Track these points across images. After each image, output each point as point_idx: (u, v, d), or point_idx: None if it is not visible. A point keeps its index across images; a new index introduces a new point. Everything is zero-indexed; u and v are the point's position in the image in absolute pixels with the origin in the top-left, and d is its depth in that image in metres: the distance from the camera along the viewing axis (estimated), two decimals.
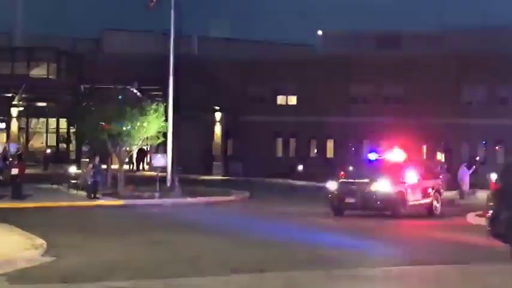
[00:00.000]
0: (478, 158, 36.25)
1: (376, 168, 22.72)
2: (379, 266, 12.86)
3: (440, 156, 41.84)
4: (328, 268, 12.28)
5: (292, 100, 48.96)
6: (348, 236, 17.42)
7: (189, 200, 26.93)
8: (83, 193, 26.88)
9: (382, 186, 21.42)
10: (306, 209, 24.37)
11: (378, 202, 21.38)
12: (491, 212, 14.43)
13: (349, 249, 15.00)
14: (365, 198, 21.38)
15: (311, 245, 15.36)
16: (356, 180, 22.16)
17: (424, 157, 39.18)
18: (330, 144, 47.70)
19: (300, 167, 43.61)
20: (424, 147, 42.62)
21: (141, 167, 46.89)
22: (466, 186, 29.65)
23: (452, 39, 47.30)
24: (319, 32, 54.15)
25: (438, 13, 62.67)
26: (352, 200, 21.65)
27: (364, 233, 18.16)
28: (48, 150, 48.62)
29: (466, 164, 31.25)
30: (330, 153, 47.64)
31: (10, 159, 26.07)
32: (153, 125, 28.68)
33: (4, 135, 50.09)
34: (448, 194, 27.16)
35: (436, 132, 42.43)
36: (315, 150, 48.07)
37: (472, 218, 21.21)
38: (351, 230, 18.58)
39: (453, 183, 29.41)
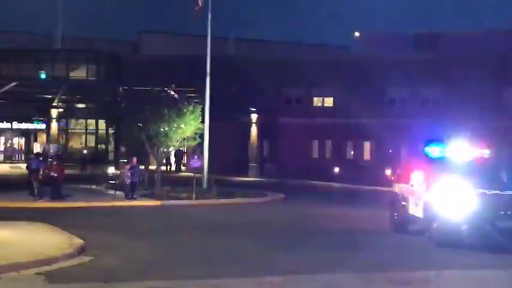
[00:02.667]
0: None
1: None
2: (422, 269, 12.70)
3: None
4: (366, 271, 12.20)
5: (329, 102, 48.80)
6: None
7: (225, 201, 27.04)
8: (121, 193, 27.19)
9: None
10: (344, 211, 24.25)
11: None
12: None
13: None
14: None
15: (348, 249, 15.30)
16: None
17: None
18: (366, 146, 47.42)
19: (336, 169, 43.41)
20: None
21: (178, 168, 47.24)
22: None
23: (491, 40, 46.59)
24: (356, 33, 53.87)
25: (477, 14, 61.82)
26: None
27: None
28: (85, 151, 49.32)
29: None
30: (366, 155, 47.36)
31: (50, 159, 26.51)
32: (190, 126, 28.89)
33: (44, 136, 50.98)
34: None
35: (475, 134, 41.83)
36: (352, 152, 47.82)
37: None
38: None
39: None
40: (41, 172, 25.21)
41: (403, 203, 17.57)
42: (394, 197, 18.64)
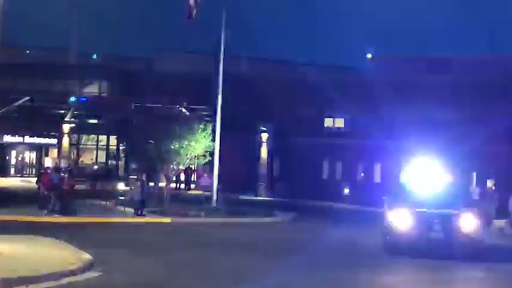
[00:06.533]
0: None
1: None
2: None
3: (491, 184, 41.01)
4: None
5: (340, 123, 48.79)
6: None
7: (234, 219, 26.97)
8: (130, 210, 27.20)
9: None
10: (352, 233, 24.14)
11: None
12: None
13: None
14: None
15: (351, 270, 15.23)
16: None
17: (474, 184, 38.49)
18: (377, 168, 47.28)
19: (347, 190, 43.29)
20: (474, 174, 41.86)
21: (188, 186, 47.24)
22: None
23: (504, 64, 46.53)
24: (369, 55, 53.97)
25: (489, 38, 61.86)
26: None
27: None
28: (96, 167, 49.43)
29: None
30: (377, 177, 47.20)
31: (62, 174, 26.52)
32: (201, 144, 28.94)
33: (55, 150, 51.19)
34: (497, 223, 26.51)
35: (487, 158, 41.67)
36: (362, 174, 47.70)
37: None
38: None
39: (501, 212, 28.77)
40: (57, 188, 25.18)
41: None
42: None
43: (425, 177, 19.83)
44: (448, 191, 19.48)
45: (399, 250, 17.82)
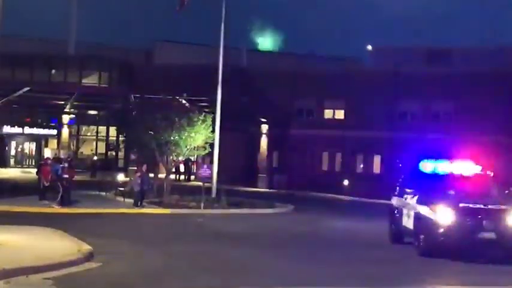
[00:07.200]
0: None
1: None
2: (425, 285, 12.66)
3: None
4: (374, 285, 12.16)
5: (340, 114, 48.77)
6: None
7: (234, 211, 27.03)
8: (130, 201, 27.23)
9: None
10: (352, 224, 24.21)
11: None
12: None
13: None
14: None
15: (354, 262, 15.27)
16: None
17: None
18: (376, 159, 47.30)
19: (346, 182, 43.33)
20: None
21: (187, 177, 47.28)
22: None
23: (503, 55, 46.48)
24: (369, 47, 53.90)
25: (489, 29, 61.75)
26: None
27: None
28: (95, 157, 49.45)
29: None
30: (376, 168, 47.23)
31: (61, 165, 26.46)
32: (201, 135, 28.94)
33: (55, 141, 51.20)
34: None
35: (486, 150, 41.65)
36: (361, 165, 47.72)
37: None
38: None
39: None
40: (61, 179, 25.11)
41: (398, 215, 18.12)
42: (391, 209, 19.02)
43: (456, 168, 17.49)
44: (487, 184, 17.36)
45: (435, 252, 15.55)
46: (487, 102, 42.55)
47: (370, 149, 46.34)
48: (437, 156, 17.75)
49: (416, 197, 16.84)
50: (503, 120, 42.25)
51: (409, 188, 17.52)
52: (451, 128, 43.19)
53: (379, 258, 15.83)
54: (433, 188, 16.65)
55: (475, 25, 75.62)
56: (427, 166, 17.46)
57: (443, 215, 15.56)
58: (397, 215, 18.14)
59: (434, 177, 17.20)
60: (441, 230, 15.47)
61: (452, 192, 16.65)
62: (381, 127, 45.08)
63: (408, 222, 17.09)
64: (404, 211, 17.51)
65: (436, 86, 44.42)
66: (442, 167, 17.45)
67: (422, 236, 15.98)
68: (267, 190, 43.45)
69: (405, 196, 17.71)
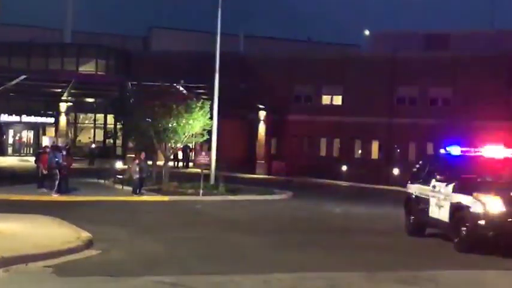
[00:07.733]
0: None
1: None
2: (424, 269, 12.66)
3: None
4: (370, 270, 12.16)
5: (338, 100, 48.73)
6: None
7: (232, 197, 27.06)
8: (128, 188, 27.24)
9: None
10: (352, 209, 24.24)
11: None
12: None
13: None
14: None
15: (354, 247, 15.28)
16: None
17: None
18: (374, 145, 47.33)
19: (344, 167, 43.39)
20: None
21: (185, 164, 47.28)
22: None
23: (502, 40, 46.40)
24: (366, 32, 53.75)
25: (488, 14, 61.55)
26: None
27: None
28: (93, 145, 49.40)
29: None
30: (374, 154, 47.28)
31: (61, 153, 26.38)
32: (198, 122, 28.91)
33: (53, 129, 51.13)
34: None
35: (485, 135, 41.70)
36: (359, 151, 47.75)
37: None
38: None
39: None
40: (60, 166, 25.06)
41: (422, 205, 16.55)
42: (409, 198, 17.58)
43: (488, 152, 15.99)
44: None
45: (478, 247, 13.96)
46: (485, 87, 42.51)
47: (368, 135, 46.36)
48: (466, 141, 16.34)
49: (452, 185, 15.06)
50: (501, 105, 42.24)
51: (440, 175, 15.70)
52: (449, 113, 43.16)
53: (381, 244, 15.84)
54: (472, 174, 15.18)
55: (475, 9, 75.43)
56: (458, 151, 16.01)
57: (493, 206, 13.80)
58: (419, 205, 16.63)
59: (471, 162, 15.76)
60: (491, 223, 13.70)
61: (493, 179, 15.05)
62: (379, 113, 45.08)
63: (440, 214, 15.46)
64: (433, 201, 15.89)
65: (434, 71, 44.37)
66: (475, 152, 16.07)
67: (464, 229, 14.20)
68: (266, 176, 43.48)
69: (433, 184, 16.00)
